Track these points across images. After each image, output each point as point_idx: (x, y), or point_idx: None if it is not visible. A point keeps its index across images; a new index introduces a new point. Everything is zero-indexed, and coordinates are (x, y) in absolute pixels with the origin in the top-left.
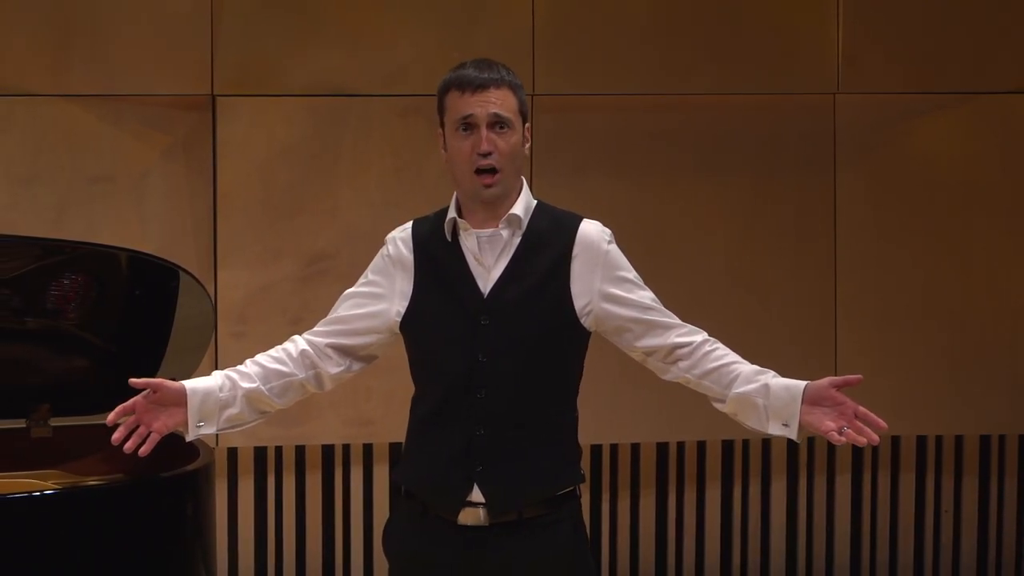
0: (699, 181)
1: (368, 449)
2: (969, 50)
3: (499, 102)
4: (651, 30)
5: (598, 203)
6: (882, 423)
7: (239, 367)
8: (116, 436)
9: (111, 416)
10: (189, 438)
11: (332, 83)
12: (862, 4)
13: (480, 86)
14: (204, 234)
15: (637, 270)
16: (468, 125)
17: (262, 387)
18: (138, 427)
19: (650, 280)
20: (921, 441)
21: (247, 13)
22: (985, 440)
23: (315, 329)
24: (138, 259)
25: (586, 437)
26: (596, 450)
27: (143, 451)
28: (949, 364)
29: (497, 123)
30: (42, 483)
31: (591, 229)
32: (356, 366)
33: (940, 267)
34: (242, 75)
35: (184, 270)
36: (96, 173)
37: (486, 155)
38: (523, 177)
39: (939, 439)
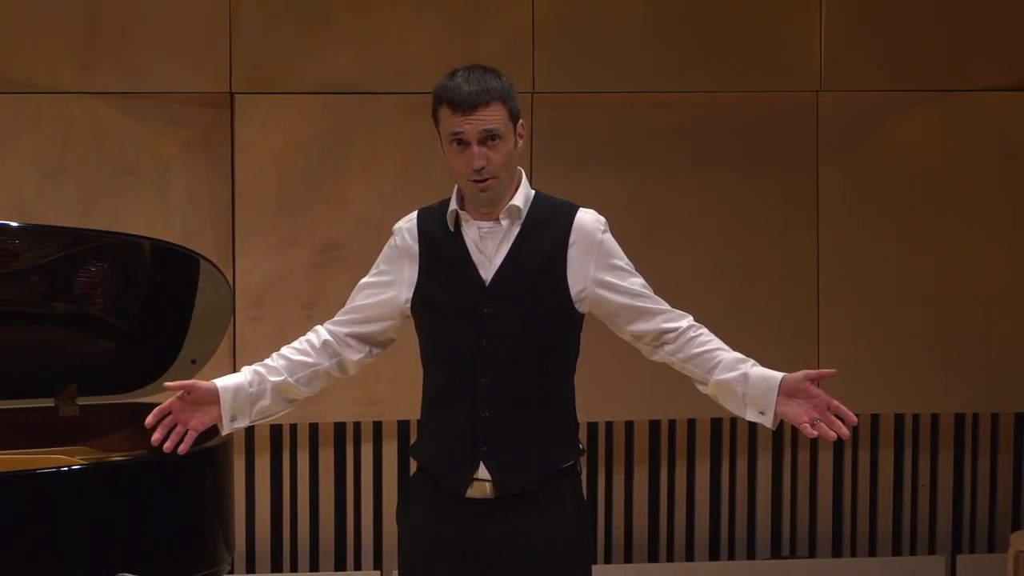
0: (690, 175)
1: (377, 427)
2: (945, 51)
3: (489, 119)
4: (646, 32)
5: (595, 196)
6: (853, 417)
7: (266, 361)
8: (155, 437)
9: (149, 419)
10: (224, 432)
11: (344, 81)
12: (843, 8)
13: (471, 106)
14: (223, 224)
15: (632, 259)
16: (461, 141)
17: (289, 379)
18: (175, 427)
19: (644, 268)
20: (899, 419)
21: (263, 15)
22: (959, 418)
23: (335, 319)
24: (160, 247)
25: (582, 415)
26: (592, 427)
27: (182, 449)
28: (925, 347)
29: (488, 137)
30: (69, 459)
31: (587, 218)
32: (376, 351)
33: (917, 256)
34: (259, 74)
35: (204, 258)
36: (121, 166)
37: (480, 170)
38: (521, 169)
39: (916, 417)
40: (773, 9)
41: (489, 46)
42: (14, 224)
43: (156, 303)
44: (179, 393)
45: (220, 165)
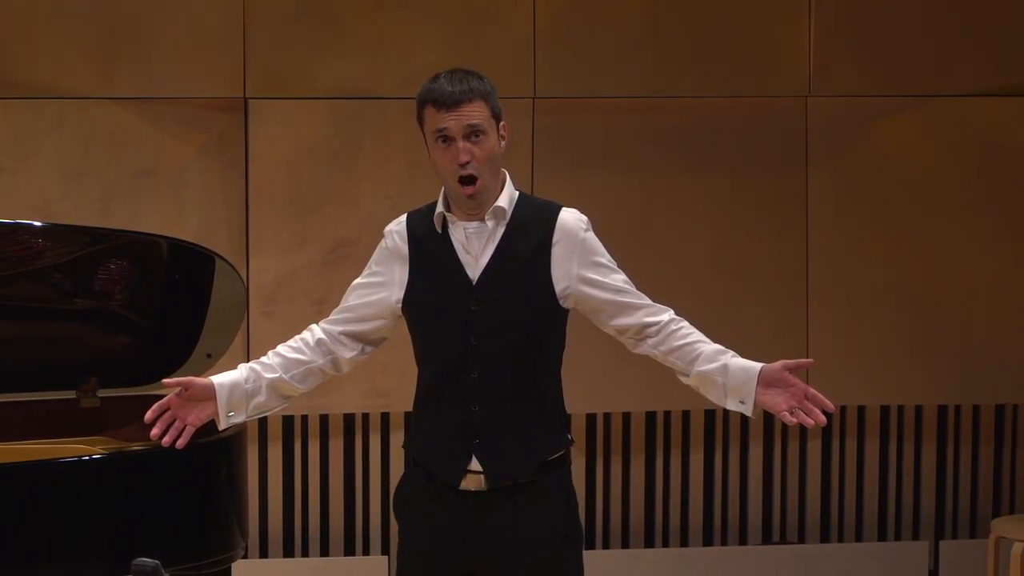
0: (685, 176)
1: (385, 418)
2: (929, 58)
3: (472, 114)
4: (642, 39)
5: (594, 196)
6: (829, 404)
7: (262, 359)
8: (154, 432)
9: (148, 414)
10: (222, 427)
11: (353, 87)
12: (832, 16)
13: (454, 103)
14: (237, 223)
15: (628, 257)
16: (445, 137)
17: (284, 376)
18: (174, 422)
19: (640, 265)
20: (884, 410)
21: (276, 23)
22: (942, 409)
23: (329, 318)
24: (177, 246)
25: (581, 406)
26: (591, 418)
27: (180, 444)
28: (910, 341)
29: (472, 133)
30: (90, 448)
31: (569, 218)
32: (368, 349)
33: (902, 254)
34: (272, 79)
35: (219, 256)
36: (139, 168)
37: (464, 164)
38: (505, 170)
39: (901, 408)
40: (764, 18)
41: (492, 53)
42: (38, 223)
43: (173, 299)
44: (177, 389)
45: (234, 167)
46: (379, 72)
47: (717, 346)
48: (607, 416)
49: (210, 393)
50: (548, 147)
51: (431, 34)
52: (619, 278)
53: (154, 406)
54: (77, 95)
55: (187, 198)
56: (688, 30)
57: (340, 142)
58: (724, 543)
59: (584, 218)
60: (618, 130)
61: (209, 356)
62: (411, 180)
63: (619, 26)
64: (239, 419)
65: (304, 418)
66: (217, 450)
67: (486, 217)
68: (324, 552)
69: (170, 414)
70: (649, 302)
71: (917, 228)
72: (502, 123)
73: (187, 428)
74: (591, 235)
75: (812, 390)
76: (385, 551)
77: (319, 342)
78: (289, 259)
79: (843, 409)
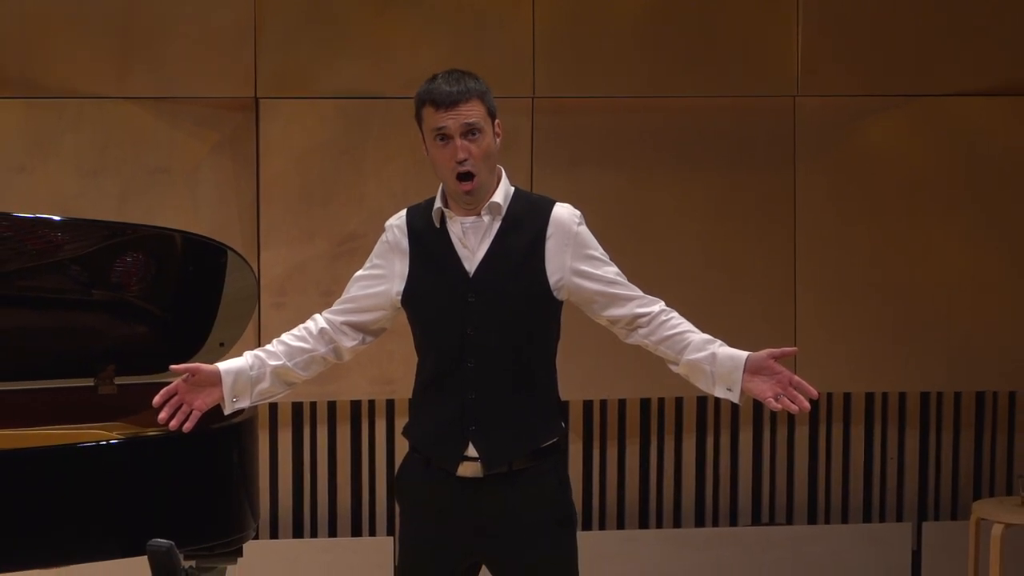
0: (678, 173)
1: (391, 404)
2: (915, 58)
3: (469, 113)
4: (637, 42)
5: (591, 193)
6: (813, 391)
7: (267, 347)
8: (162, 416)
9: (156, 399)
10: (227, 412)
11: (360, 87)
12: (819, 18)
13: (452, 103)
14: (249, 218)
15: (623, 251)
16: (444, 136)
17: (287, 363)
18: (181, 406)
19: (634, 260)
20: (869, 397)
21: (286, 25)
22: (925, 397)
23: (332, 308)
24: (191, 240)
25: (578, 393)
26: (587, 405)
27: (187, 427)
28: (894, 331)
29: (469, 131)
30: (107, 433)
31: (563, 212)
32: (369, 339)
33: (887, 248)
34: (282, 80)
35: (231, 249)
36: (155, 165)
37: (462, 161)
38: (501, 167)
39: (885, 396)
40: (754, 21)
41: (493, 55)
42: (58, 218)
43: (187, 291)
44: (184, 375)
45: (246, 164)
46: (384, 73)
47: (706, 336)
48: (603, 403)
49: (216, 379)
50: (547, 145)
51: (434, 36)
52: (611, 270)
53: (162, 391)
54: (94, 95)
55: (201, 194)
56: (681, 33)
57: (347, 140)
58: (715, 524)
59: (577, 212)
60: (614, 129)
61: (222, 345)
62: (415, 177)
63: (615, 29)
64: (243, 404)
65: (313, 404)
66: (229, 435)
67: (482, 212)
68: (332, 533)
69: (177, 399)
70: (640, 293)
71: (901, 223)
72: (497, 121)
73: (193, 412)
74: (584, 229)
75: (796, 377)
76: (391, 532)
77: (322, 331)
78: (298, 252)
79: (829, 396)
